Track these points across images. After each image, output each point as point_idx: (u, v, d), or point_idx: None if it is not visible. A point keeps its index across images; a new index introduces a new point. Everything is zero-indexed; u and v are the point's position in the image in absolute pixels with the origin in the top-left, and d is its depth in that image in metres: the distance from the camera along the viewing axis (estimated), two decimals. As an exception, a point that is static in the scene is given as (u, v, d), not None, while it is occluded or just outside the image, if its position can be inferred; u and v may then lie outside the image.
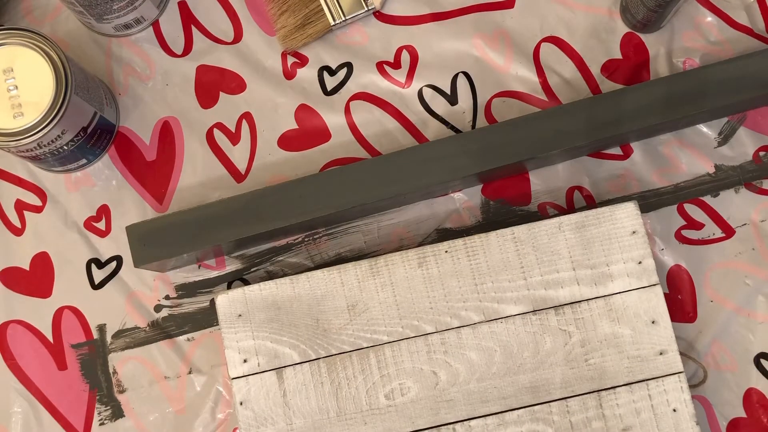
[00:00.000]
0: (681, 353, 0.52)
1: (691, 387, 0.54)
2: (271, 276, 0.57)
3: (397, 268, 0.52)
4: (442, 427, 0.50)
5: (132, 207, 0.58)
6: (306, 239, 0.57)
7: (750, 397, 0.54)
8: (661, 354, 0.51)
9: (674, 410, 0.50)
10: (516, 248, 0.52)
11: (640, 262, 0.51)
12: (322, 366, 0.51)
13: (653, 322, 0.51)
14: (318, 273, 0.52)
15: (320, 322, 0.52)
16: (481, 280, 0.52)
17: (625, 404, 0.50)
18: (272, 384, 0.51)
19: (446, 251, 0.52)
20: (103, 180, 0.59)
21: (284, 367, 0.51)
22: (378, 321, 0.52)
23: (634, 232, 0.52)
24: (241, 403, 0.51)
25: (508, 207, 0.57)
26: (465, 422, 0.50)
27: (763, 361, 0.54)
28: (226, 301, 0.52)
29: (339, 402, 0.51)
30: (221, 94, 0.60)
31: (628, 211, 0.52)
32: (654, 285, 0.51)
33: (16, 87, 0.51)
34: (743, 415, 0.54)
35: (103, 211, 0.59)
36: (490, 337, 0.51)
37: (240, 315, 0.52)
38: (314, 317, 0.52)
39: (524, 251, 0.52)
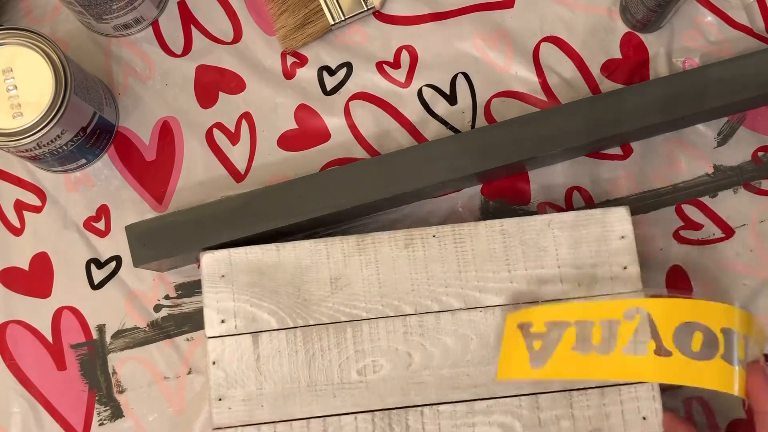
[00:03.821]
0: None
1: (677, 387, 0.53)
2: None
3: (384, 246, 0.52)
4: (410, 408, 0.50)
5: (131, 207, 0.58)
6: (305, 239, 0.57)
7: (750, 397, 0.54)
8: None
9: (644, 418, 0.49)
10: (503, 240, 0.52)
11: (625, 267, 0.51)
12: (298, 335, 0.51)
13: None
14: (305, 243, 0.52)
15: (301, 292, 0.52)
16: (465, 268, 0.52)
17: (595, 406, 0.50)
18: (247, 347, 0.51)
19: (434, 236, 0.52)
20: (103, 180, 0.59)
21: (261, 332, 0.51)
22: (359, 297, 0.52)
23: (622, 237, 0.52)
24: (213, 363, 0.51)
25: (507, 207, 0.57)
26: (434, 406, 0.50)
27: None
28: (211, 260, 0.52)
29: (311, 372, 0.51)
30: (221, 94, 0.60)
31: (619, 215, 0.52)
32: (637, 291, 0.51)
33: (16, 87, 0.51)
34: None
35: (103, 211, 0.59)
36: (468, 324, 0.51)
37: (223, 276, 0.52)
38: (296, 286, 0.52)
39: (511, 244, 0.52)
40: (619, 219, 0.52)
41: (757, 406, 0.45)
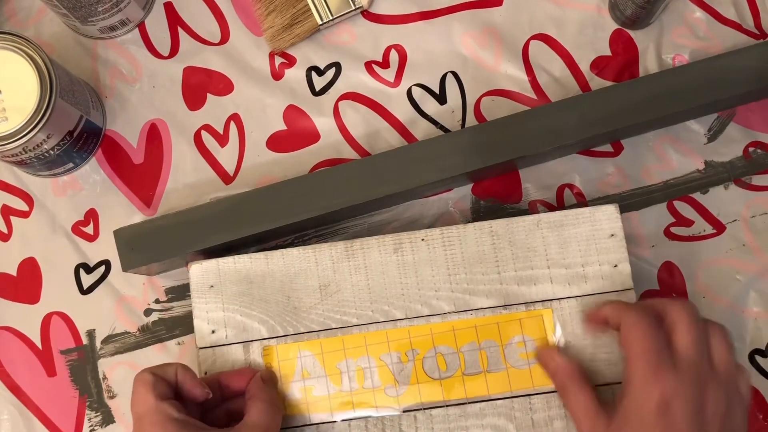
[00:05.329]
0: None
1: None
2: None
3: (373, 252, 0.52)
4: (403, 414, 0.50)
5: (120, 210, 0.58)
6: (295, 241, 0.57)
7: (743, 393, 0.54)
8: None
9: None
10: (492, 242, 0.52)
11: (615, 266, 0.51)
12: (289, 343, 0.51)
13: None
14: (293, 251, 0.52)
15: (291, 300, 0.52)
16: (455, 271, 0.51)
17: None
18: (238, 357, 0.51)
19: (423, 239, 0.52)
20: (91, 184, 0.58)
21: (251, 341, 0.51)
22: (349, 303, 0.51)
23: (612, 235, 0.51)
24: (205, 373, 0.51)
25: (498, 205, 0.57)
26: (426, 410, 0.50)
27: (757, 357, 0.54)
28: (199, 270, 0.52)
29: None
30: (209, 95, 0.59)
31: (608, 213, 0.52)
32: (628, 290, 0.51)
33: (0, 91, 0.51)
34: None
35: (91, 216, 0.58)
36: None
37: (212, 286, 0.52)
38: (286, 294, 0.52)
39: (500, 245, 0.52)
40: (609, 217, 0.52)
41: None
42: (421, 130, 0.58)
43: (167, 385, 0.46)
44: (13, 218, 0.58)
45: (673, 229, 0.56)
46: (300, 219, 0.53)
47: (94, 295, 0.57)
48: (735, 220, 0.56)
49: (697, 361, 0.42)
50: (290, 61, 0.59)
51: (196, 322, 0.52)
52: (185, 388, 0.47)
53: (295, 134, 0.59)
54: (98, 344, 0.56)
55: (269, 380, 0.49)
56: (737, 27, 0.58)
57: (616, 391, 0.49)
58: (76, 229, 0.58)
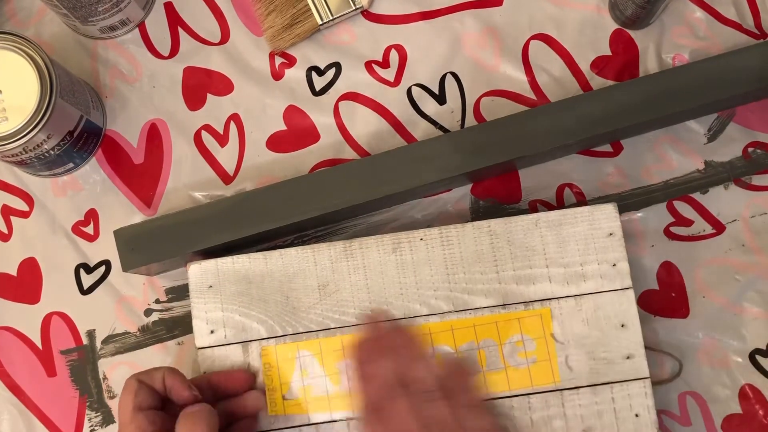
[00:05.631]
0: (655, 348, 0.53)
1: (668, 381, 0.54)
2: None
3: (371, 251, 0.52)
4: None
5: (120, 210, 0.58)
6: (295, 241, 0.57)
7: (745, 393, 0.54)
8: (628, 358, 0.50)
9: (636, 415, 0.50)
10: (491, 241, 0.52)
11: (614, 265, 0.51)
12: (288, 343, 0.51)
13: (623, 326, 0.51)
14: (291, 251, 0.52)
15: (290, 300, 0.52)
16: (454, 270, 0.51)
17: (587, 405, 0.50)
18: (237, 357, 0.51)
19: (421, 239, 0.52)
20: (91, 184, 0.58)
21: (251, 341, 0.51)
22: (347, 303, 0.51)
23: (611, 234, 0.51)
24: (204, 373, 0.51)
25: (498, 206, 0.57)
26: None
27: (757, 356, 0.54)
28: (198, 270, 0.52)
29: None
30: (209, 95, 0.59)
31: (607, 212, 0.52)
32: (627, 289, 0.51)
33: (0, 91, 0.51)
34: (739, 411, 0.54)
35: (91, 216, 0.58)
36: None
37: (211, 286, 0.52)
38: (284, 294, 0.52)
39: (499, 245, 0.52)
40: (607, 216, 0.52)
41: None
42: (421, 130, 0.58)
43: (151, 393, 0.47)
44: (13, 218, 0.58)
45: (672, 229, 0.56)
46: (300, 219, 0.53)
47: (94, 295, 0.57)
48: (735, 220, 0.56)
49: None
50: (290, 61, 0.59)
51: (195, 322, 0.52)
52: (174, 391, 0.47)
53: (295, 134, 0.59)
54: (98, 344, 0.56)
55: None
56: (737, 27, 0.58)
57: (616, 391, 0.50)
58: (77, 229, 0.58)
